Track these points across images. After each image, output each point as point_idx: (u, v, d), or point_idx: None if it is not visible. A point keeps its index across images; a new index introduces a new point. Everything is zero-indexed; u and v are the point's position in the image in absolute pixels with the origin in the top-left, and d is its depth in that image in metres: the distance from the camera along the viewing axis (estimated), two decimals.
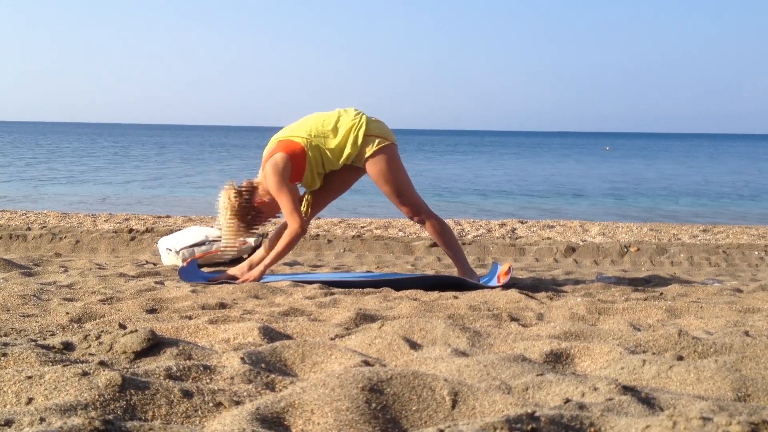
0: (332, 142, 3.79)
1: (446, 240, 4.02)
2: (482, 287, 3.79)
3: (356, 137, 3.78)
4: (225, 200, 3.85)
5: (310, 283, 3.79)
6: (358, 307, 3.03)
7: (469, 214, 11.57)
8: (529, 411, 1.26)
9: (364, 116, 3.84)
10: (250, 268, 3.97)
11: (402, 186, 3.90)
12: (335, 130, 3.81)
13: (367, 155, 3.81)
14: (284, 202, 3.79)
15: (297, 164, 3.79)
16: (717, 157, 45.47)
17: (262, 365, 1.84)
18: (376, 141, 3.81)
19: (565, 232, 8.03)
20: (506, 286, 3.78)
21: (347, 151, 3.79)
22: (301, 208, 3.97)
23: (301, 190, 4.05)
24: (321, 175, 3.93)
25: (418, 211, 3.95)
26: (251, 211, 3.88)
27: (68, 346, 1.92)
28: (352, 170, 3.99)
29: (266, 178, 3.82)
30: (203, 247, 4.94)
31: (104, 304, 3.00)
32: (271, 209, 3.93)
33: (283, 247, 3.83)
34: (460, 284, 3.84)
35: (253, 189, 3.90)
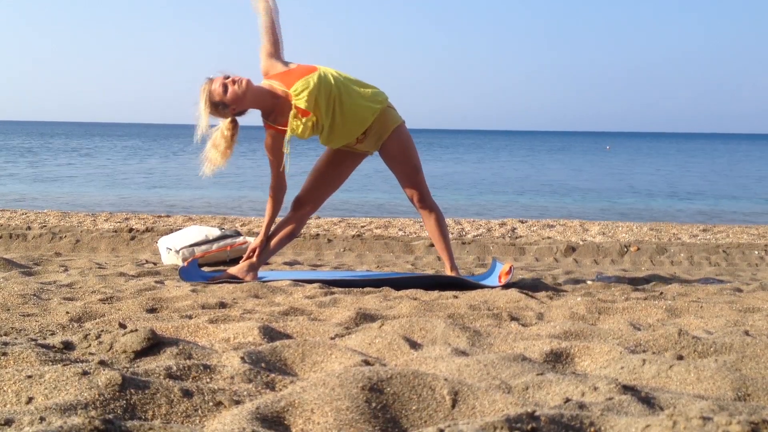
0: (355, 91, 3.74)
1: (443, 231, 4.05)
2: (482, 287, 3.79)
3: (381, 100, 3.81)
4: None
5: (310, 282, 3.78)
6: (358, 306, 3.03)
7: (469, 214, 11.57)
8: (529, 410, 1.26)
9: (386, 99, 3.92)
10: (250, 268, 3.96)
11: (419, 165, 3.96)
12: (361, 84, 3.79)
13: (392, 127, 3.83)
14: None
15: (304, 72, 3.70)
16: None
17: (262, 365, 1.84)
18: (398, 115, 3.88)
19: (565, 232, 8.03)
20: (506, 286, 3.78)
21: (371, 106, 3.74)
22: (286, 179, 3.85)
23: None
24: (330, 115, 3.68)
25: (427, 196, 3.99)
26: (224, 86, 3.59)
27: (68, 346, 1.92)
28: (347, 158, 3.97)
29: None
30: (203, 247, 4.94)
31: (104, 303, 3.00)
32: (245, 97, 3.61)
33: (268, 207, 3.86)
34: (460, 284, 3.84)
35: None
